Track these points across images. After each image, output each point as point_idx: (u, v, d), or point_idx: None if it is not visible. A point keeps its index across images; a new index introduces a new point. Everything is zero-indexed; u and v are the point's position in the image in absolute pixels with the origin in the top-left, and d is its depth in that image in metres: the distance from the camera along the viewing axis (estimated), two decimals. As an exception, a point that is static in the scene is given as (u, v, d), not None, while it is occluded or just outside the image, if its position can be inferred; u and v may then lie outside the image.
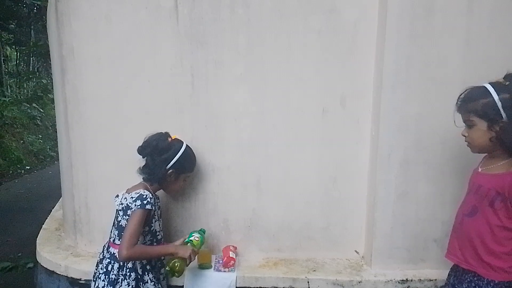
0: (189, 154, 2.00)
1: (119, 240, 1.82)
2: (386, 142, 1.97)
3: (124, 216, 1.81)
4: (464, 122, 1.54)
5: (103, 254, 1.88)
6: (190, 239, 1.95)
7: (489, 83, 1.45)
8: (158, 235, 1.93)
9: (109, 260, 1.82)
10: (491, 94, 1.42)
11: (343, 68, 2.06)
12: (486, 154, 1.57)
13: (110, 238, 1.89)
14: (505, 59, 1.87)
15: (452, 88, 1.88)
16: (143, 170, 1.91)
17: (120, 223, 1.83)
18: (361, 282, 2.03)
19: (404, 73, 1.91)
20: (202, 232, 2.05)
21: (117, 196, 1.91)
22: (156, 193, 1.95)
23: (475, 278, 1.52)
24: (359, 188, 2.15)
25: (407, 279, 2.03)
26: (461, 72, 1.90)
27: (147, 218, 1.82)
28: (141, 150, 1.91)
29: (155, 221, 1.90)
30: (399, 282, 2.02)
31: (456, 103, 1.54)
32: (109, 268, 1.80)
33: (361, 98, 2.07)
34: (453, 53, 1.90)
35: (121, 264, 1.80)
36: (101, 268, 1.84)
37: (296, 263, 2.18)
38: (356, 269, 2.12)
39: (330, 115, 2.09)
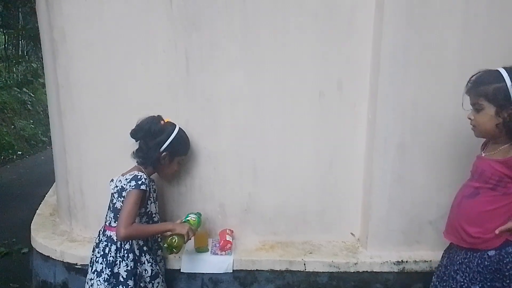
0: (182, 137, 2.00)
1: (115, 222, 1.82)
2: (383, 126, 1.97)
3: (119, 198, 1.81)
4: (472, 105, 1.51)
5: (99, 238, 1.88)
6: (187, 219, 1.96)
7: (503, 68, 1.42)
8: (154, 217, 1.94)
9: (106, 243, 1.82)
10: (504, 79, 1.39)
11: (340, 51, 2.03)
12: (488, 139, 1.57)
13: (105, 222, 1.90)
14: (503, 43, 1.86)
15: (449, 72, 1.89)
16: (137, 153, 1.92)
17: (115, 206, 1.83)
18: (357, 263, 2.05)
19: (401, 57, 1.89)
20: (198, 214, 2.05)
21: (112, 180, 1.90)
22: (150, 177, 1.95)
23: (465, 260, 1.56)
24: (355, 171, 2.16)
25: (402, 261, 2.05)
26: (458, 56, 1.89)
27: (143, 199, 1.82)
28: (134, 134, 1.92)
29: (151, 203, 1.90)
30: (394, 264, 2.05)
31: (467, 85, 1.51)
32: (107, 251, 1.81)
33: (358, 82, 2.05)
34: (451, 37, 1.88)
35: (118, 246, 1.80)
36: (98, 252, 1.84)
37: (292, 246, 2.20)
38: (352, 251, 2.14)
39: (327, 99, 2.08)
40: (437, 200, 2.03)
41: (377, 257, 2.07)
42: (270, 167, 2.17)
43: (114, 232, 1.79)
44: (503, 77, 1.40)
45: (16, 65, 10.61)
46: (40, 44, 2.40)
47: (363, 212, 2.17)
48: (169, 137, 1.91)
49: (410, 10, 1.85)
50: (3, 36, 11.01)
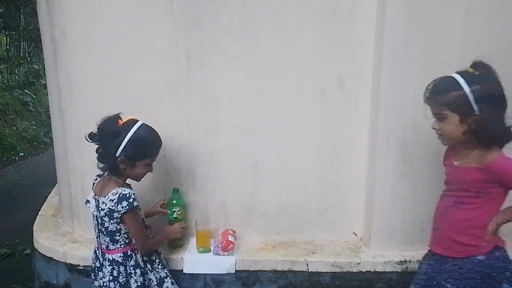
0: (143, 138, 1.73)
1: (113, 245, 1.79)
2: (385, 124, 1.95)
3: (111, 221, 1.74)
4: (434, 114, 1.50)
5: (99, 261, 1.84)
6: (174, 216, 2.05)
7: (458, 73, 1.41)
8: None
9: (112, 267, 1.78)
10: (461, 86, 1.38)
11: (341, 49, 2.02)
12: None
13: (101, 245, 1.83)
14: (504, 39, 1.85)
15: (450, 69, 1.84)
16: (98, 159, 1.76)
17: (109, 229, 1.76)
18: (359, 263, 2.04)
19: (403, 54, 1.88)
20: (177, 197, 2.09)
21: (88, 201, 1.84)
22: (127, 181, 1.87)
23: (456, 267, 1.52)
24: (358, 170, 2.15)
25: (405, 260, 2.04)
26: (460, 53, 1.87)
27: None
28: (91, 136, 1.73)
29: None
30: (397, 263, 2.03)
31: (424, 94, 1.50)
32: (115, 274, 1.77)
33: (360, 79, 2.04)
34: (452, 34, 1.87)
35: (125, 265, 1.79)
36: (104, 276, 1.78)
37: (294, 246, 2.19)
38: (354, 251, 2.13)
39: (328, 96, 2.06)
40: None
41: (380, 257, 2.06)
42: (272, 166, 2.16)
43: (117, 254, 1.78)
44: (459, 84, 1.39)
45: (18, 67, 10.62)
46: (42, 45, 2.40)
47: (366, 211, 2.16)
48: (123, 140, 1.69)
49: (411, 7, 1.84)
50: (5, 38, 11.03)
